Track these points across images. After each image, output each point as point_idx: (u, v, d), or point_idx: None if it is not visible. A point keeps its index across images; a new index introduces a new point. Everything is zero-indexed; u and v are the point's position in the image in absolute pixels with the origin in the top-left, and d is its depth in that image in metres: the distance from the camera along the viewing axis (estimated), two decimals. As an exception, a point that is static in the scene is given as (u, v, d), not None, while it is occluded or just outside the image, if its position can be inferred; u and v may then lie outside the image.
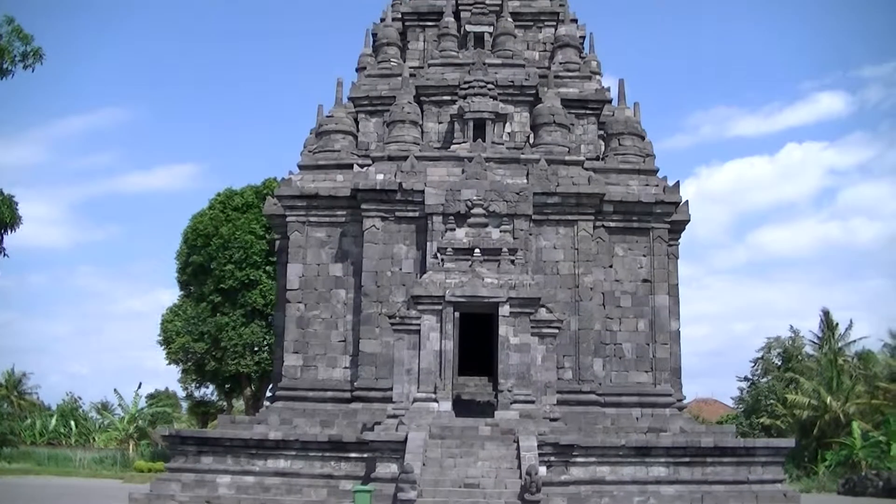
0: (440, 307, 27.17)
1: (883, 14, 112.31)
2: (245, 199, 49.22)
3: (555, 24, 35.76)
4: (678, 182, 30.79)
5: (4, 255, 23.57)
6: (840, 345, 53.60)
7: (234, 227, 47.67)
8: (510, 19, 34.80)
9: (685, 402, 33.49)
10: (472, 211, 29.06)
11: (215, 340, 47.84)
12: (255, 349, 48.08)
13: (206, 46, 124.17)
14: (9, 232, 23.27)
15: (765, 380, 59.58)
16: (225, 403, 58.11)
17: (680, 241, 32.58)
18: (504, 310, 27.06)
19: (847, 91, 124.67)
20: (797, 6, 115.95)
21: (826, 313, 54.63)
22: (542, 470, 23.70)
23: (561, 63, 34.15)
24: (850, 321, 53.85)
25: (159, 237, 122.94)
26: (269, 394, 34.93)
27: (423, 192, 29.63)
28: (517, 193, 29.37)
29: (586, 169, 30.54)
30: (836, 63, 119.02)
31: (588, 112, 33.28)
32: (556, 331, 27.78)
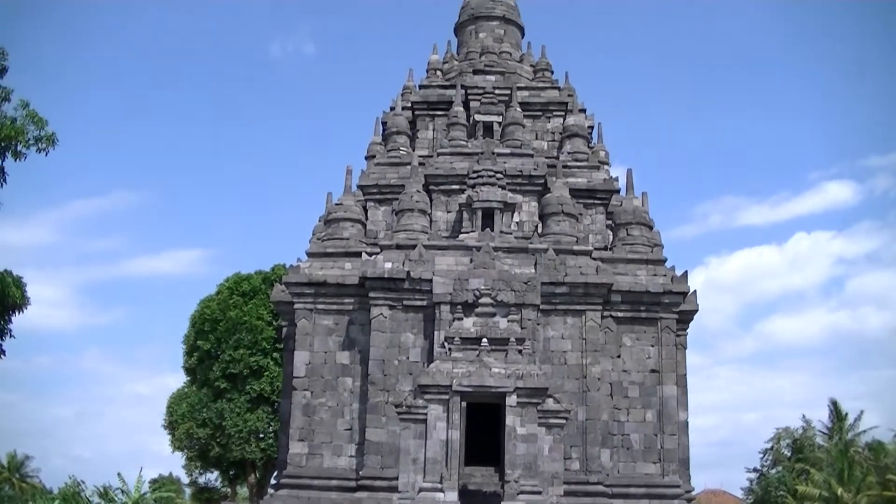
0: (447, 397, 27.04)
1: (889, 104, 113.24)
2: (252, 284, 49.30)
3: (563, 113, 36.06)
4: (686, 272, 30.84)
5: (11, 336, 23.59)
6: (850, 435, 53.06)
7: (241, 312, 47.67)
8: (519, 109, 35.12)
9: (694, 493, 33.08)
10: (479, 300, 29.06)
11: (220, 426, 47.55)
12: (261, 436, 47.79)
13: (217, 133, 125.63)
14: (17, 313, 23.32)
15: (774, 471, 58.89)
16: (229, 490, 57.56)
17: (688, 330, 32.48)
18: (511, 400, 26.91)
19: (855, 180, 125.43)
20: (804, 97, 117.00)
21: (835, 403, 54.22)
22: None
23: (569, 153, 34.39)
24: (861, 412, 53.45)
25: (166, 322, 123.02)
26: (273, 481, 34.68)
27: (431, 281, 29.64)
28: (525, 283, 29.37)
29: (594, 259, 30.58)
30: (843, 152, 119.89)
31: (596, 202, 33.42)
32: (564, 421, 27.60)
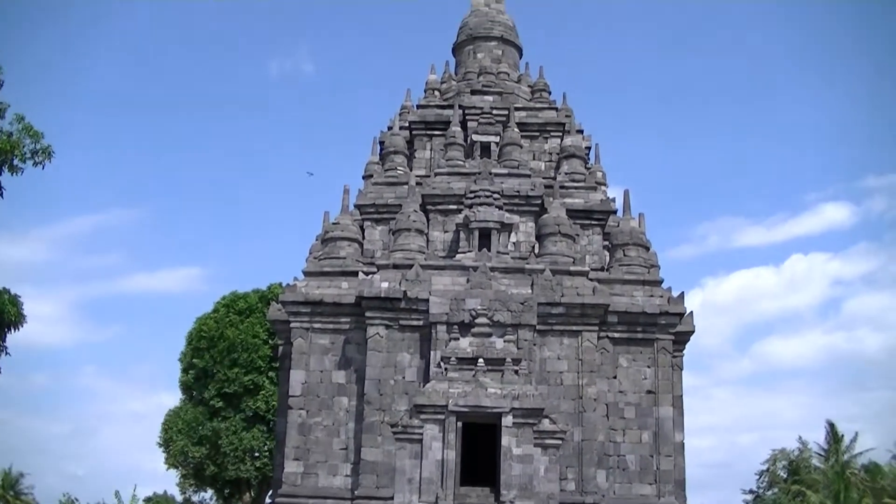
0: (443, 417, 27.04)
1: (885, 126, 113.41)
2: (249, 303, 49.28)
3: (561, 134, 36.12)
4: (683, 293, 30.87)
5: (6, 353, 23.50)
6: (847, 457, 52.95)
7: (237, 331, 47.64)
8: (516, 129, 35.19)
9: (690, 515, 33.00)
10: (476, 320, 29.08)
11: (215, 445, 47.45)
12: (256, 454, 47.68)
13: (215, 151, 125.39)
14: (13, 330, 23.24)
15: (771, 492, 58.76)
16: (223, 509, 57.38)
17: (684, 351, 32.41)
18: (507, 420, 26.91)
19: (851, 202, 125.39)
20: (801, 119, 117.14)
21: (831, 425, 54.06)
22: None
23: (566, 173, 34.46)
24: (856, 433, 53.32)
25: (162, 339, 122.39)
26: (268, 500, 34.58)
27: (427, 300, 29.65)
28: (522, 303, 29.38)
29: (591, 279, 30.61)
30: (839, 174, 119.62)
31: (593, 222, 33.48)
32: (559, 442, 27.60)
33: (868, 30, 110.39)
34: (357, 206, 34.02)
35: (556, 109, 37.03)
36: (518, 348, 29.03)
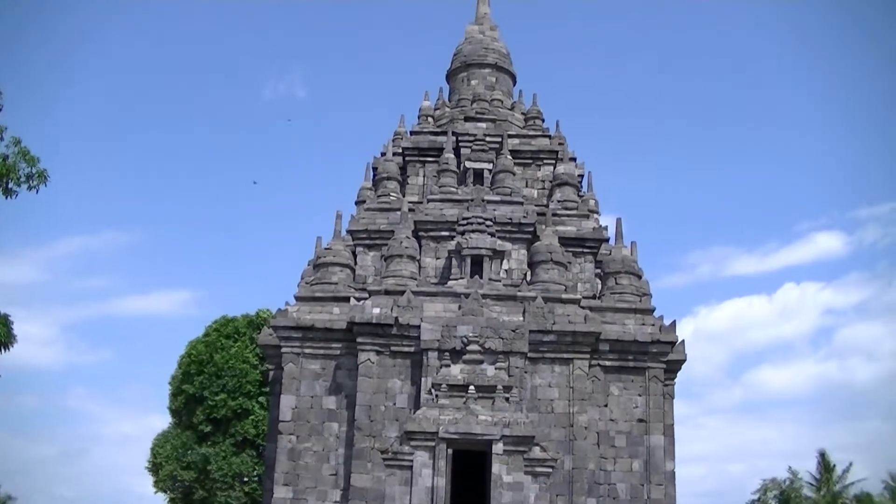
0: (433, 444, 26.97)
1: (878, 156, 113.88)
2: (238, 327, 49.21)
3: (553, 162, 36.24)
4: (674, 321, 30.88)
5: (-4, 374, 23.37)
6: (838, 487, 52.88)
7: (227, 355, 47.54)
8: (509, 157, 35.29)
9: (680, 544, 32.90)
10: (467, 347, 29.05)
11: (204, 469, 47.23)
12: (245, 480, 47.45)
13: (208, 174, 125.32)
14: (3, 351, 23.13)
15: (761, 522, 58.60)
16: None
17: (676, 380, 32.42)
18: (497, 448, 26.85)
19: (844, 231, 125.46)
20: (793, 148, 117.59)
21: (823, 454, 54.04)
22: None
23: (559, 201, 34.53)
24: (850, 464, 53.23)
25: (153, 362, 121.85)
26: (257, 527, 34.37)
27: (419, 327, 29.60)
28: (513, 331, 29.35)
29: (583, 307, 30.60)
30: (832, 204, 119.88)
31: (585, 250, 33.53)
32: (550, 470, 27.53)
33: (860, 61, 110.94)
34: (349, 232, 34.04)
35: (550, 137, 37.15)
36: (509, 376, 28.99)
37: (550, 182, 35.72)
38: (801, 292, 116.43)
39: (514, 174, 34.91)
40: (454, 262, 31.75)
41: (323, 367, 30.96)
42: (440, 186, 34.57)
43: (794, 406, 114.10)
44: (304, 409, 30.64)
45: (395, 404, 29.84)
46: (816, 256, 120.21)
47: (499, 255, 31.78)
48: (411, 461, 27.14)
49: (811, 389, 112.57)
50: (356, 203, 37.09)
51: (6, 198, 22.68)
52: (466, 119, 37.27)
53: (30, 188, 22.80)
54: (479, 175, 35.06)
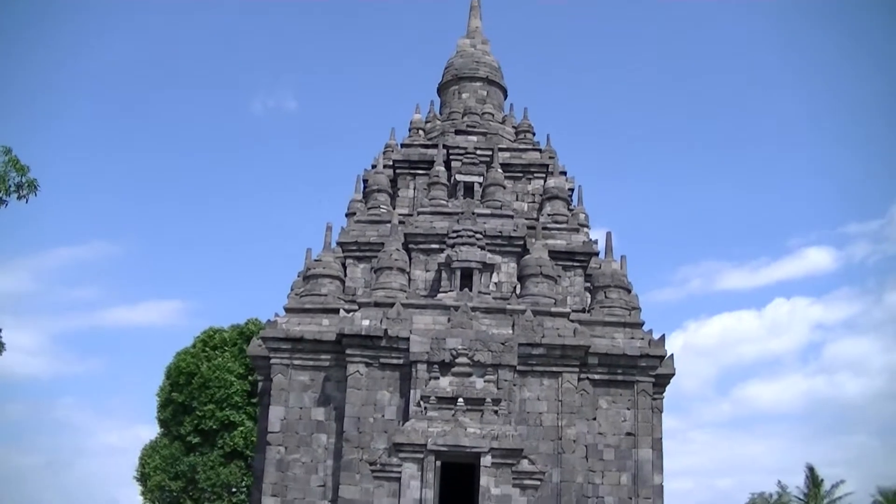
0: (422, 456, 26.98)
1: (868, 172, 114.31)
2: (225, 337, 49.23)
3: (544, 175, 36.35)
4: (664, 335, 30.93)
5: (-17, 383, 23.38)
6: (826, 502, 53.02)
7: (214, 366, 47.53)
8: (500, 170, 35.39)
9: (668, 559, 32.90)
10: (456, 360, 29.07)
11: (193, 480, 47.19)
12: (233, 490, 47.43)
13: (197, 186, 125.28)
14: (-9, 360, 23.11)
15: (749, 536, 58.69)
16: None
17: (664, 394, 32.45)
18: (486, 460, 26.87)
19: (833, 247, 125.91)
20: (784, 164, 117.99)
21: (811, 469, 54.25)
22: None
23: (549, 215, 34.64)
24: (841, 481, 53.37)
25: (141, 372, 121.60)
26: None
27: (408, 339, 29.62)
28: (502, 344, 29.39)
29: (572, 321, 30.65)
30: (822, 219, 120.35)
31: (575, 264, 33.63)
32: (538, 483, 27.57)
33: (851, 76, 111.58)
34: (339, 244, 34.09)
35: (540, 151, 37.28)
36: (498, 388, 29.02)
37: (541, 196, 35.83)
38: (790, 307, 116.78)
39: (504, 187, 35.01)
40: (444, 274, 31.80)
41: (312, 379, 30.96)
42: (430, 199, 34.65)
43: (783, 421, 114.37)
44: (292, 420, 30.63)
45: (383, 416, 29.84)
46: (806, 272, 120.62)
47: (488, 268, 31.83)
48: (399, 473, 27.15)
49: (800, 404, 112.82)
50: (346, 215, 37.14)
51: (-2, 207, 22.67)
52: (457, 132, 37.38)
53: (19, 198, 22.82)
54: (469, 188, 35.15)
